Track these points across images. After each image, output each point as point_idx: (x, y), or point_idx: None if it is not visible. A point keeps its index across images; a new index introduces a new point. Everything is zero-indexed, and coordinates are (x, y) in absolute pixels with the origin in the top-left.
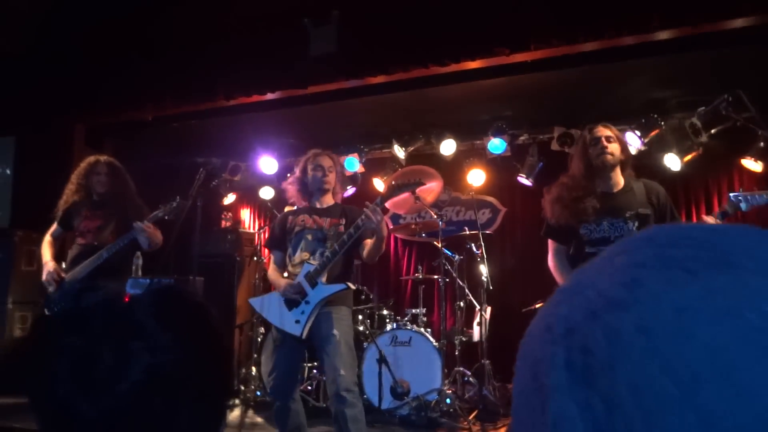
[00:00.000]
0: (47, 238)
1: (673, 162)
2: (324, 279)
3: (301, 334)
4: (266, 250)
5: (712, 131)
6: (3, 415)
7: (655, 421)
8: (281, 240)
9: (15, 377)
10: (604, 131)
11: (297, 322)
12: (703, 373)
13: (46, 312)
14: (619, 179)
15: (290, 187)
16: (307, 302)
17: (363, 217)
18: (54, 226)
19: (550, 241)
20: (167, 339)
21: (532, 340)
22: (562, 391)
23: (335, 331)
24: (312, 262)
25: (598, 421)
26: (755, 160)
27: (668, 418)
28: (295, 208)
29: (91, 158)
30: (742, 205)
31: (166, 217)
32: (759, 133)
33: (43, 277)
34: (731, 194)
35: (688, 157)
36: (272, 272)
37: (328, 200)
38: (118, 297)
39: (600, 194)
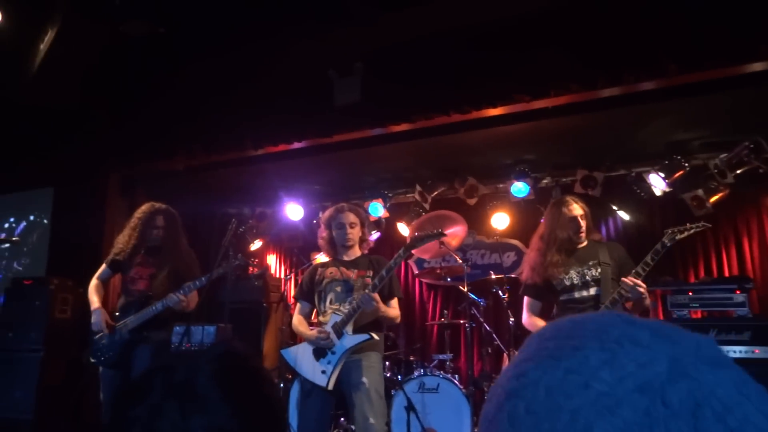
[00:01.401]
0: (94, 282)
1: (700, 203)
2: (350, 329)
3: (327, 384)
4: (293, 299)
5: (738, 171)
6: None
7: None
8: (309, 292)
9: None
10: (577, 210)
11: (323, 372)
12: None
13: (91, 360)
14: (583, 239)
15: (321, 241)
16: (333, 352)
17: (360, 300)
18: (102, 268)
19: (526, 300)
20: (227, 412)
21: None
22: None
23: (365, 379)
24: (339, 313)
25: None
26: None
27: None
28: (324, 259)
29: (148, 207)
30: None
31: (207, 282)
32: None
33: (93, 322)
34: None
35: (715, 198)
36: (297, 323)
37: (355, 252)
38: (176, 362)
39: (568, 251)
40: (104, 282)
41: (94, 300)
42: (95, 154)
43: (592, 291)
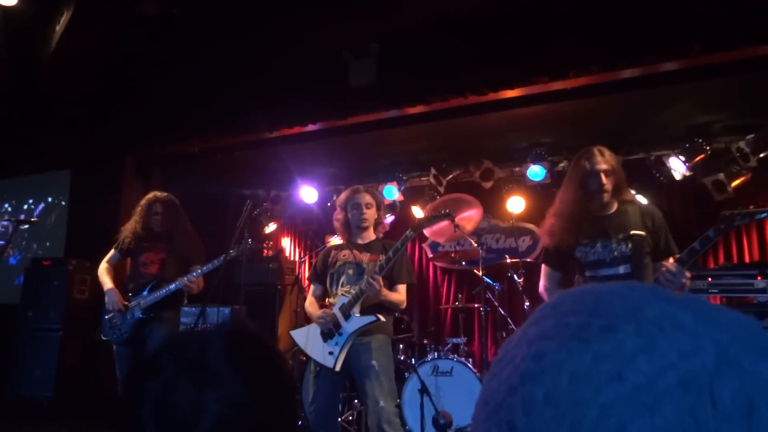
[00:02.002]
0: (104, 265)
1: (720, 187)
2: (357, 311)
3: (334, 365)
4: (306, 285)
5: (761, 155)
6: None
7: None
8: (322, 274)
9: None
10: (602, 164)
11: (330, 353)
12: None
13: (104, 338)
14: (612, 203)
15: (336, 223)
16: (340, 334)
17: (364, 284)
18: (111, 252)
19: (544, 268)
20: (238, 386)
21: (476, 413)
22: None
23: (374, 362)
24: (347, 294)
25: None
26: None
27: None
28: (338, 242)
29: (150, 196)
30: (737, 222)
31: (237, 256)
32: None
33: (106, 302)
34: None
35: (737, 182)
36: (309, 304)
37: (369, 235)
38: (187, 339)
39: (593, 217)
40: (113, 266)
41: (106, 281)
42: (111, 137)
43: (622, 270)
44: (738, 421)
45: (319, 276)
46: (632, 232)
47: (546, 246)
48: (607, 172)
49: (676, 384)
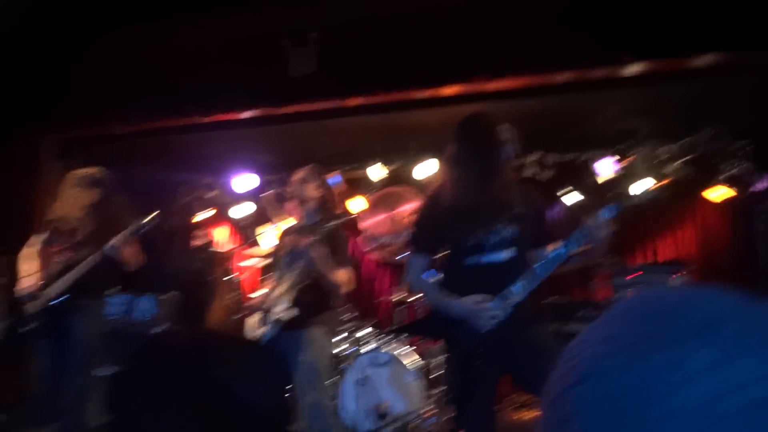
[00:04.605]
0: (24, 252)
1: (645, 188)
2: (286, 301)
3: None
4: (237, 271)
5: (681, 161)
6: None
7: None
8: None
9: None
10: (504, 131)
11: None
12: None
13: (18, 330)
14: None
15: (288, 206)
16: (268, 321)
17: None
18: (34, 239)
19: (412, 256)
20: None
21: (542, 400)
22: None
23: (305, 356)
24: (281, 283)
25: None
26: (728, 186)
27: None
28: (287, 225)
29: (78, 172)
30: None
31: (142, 231)
32: (720, 167)
33: (21, 292)
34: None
35: (659, 185)
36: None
37: (317, 215)
38: None
39: (479, 194)
40: (34, 253)
41: (23, 268)
42: (29, 114)
43: (506, 255)
44: None
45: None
46: (517, 211)
47: (419, 230)
48: (511, 142)
49: (748, 403)
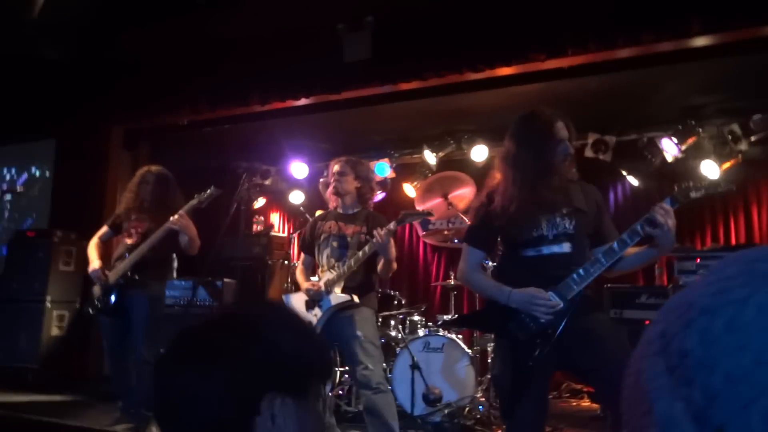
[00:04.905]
0: (95, 240)
1: (711, 169)
2: (339, 288)
3: None
4: (296, 255)
5: (752, 138)
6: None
7: (751, 406)
8: (311, 245)
9: None
10: (564, 131)
11: (310, 322)
12: None
13: (90, 311)
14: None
15: (323, 191)
16: (320, 306)
17: (373, 240)
18: (104, 229)
19: (467, 248)
20: None
21: (636, 356)
22: (665, 392)
23: (358, 332)
24: (333, 271)
25: (699, 414)
26: None
27: (763, 401)
28: (324, 213)
29: (143, 168)
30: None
31: (202, 206)
32: None
33: (90, 274)
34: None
35: (727, 165)
36: (299, 273)
37: (354, 206)
38: None
39: (539, 189)
40: (104, 242)
41: (93, 255)
42: (98, 106)
43: (566, 248)
44: None
45: (308, 246)
46: (576, 206)
47: (477, 221)
48: (569, 141)
49: None
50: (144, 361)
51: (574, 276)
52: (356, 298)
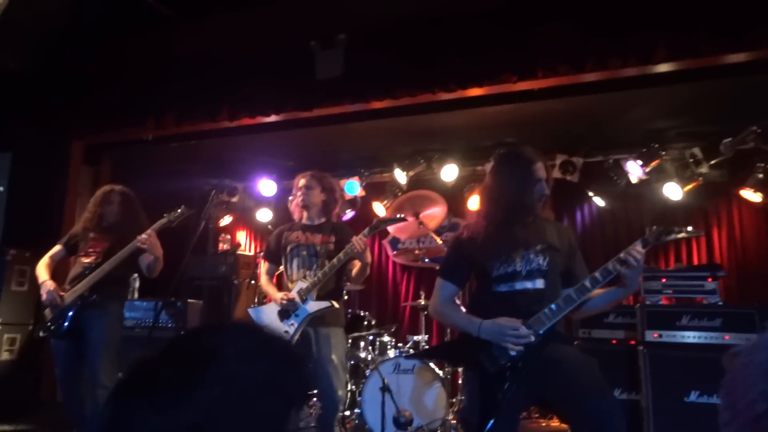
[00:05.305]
0: (45, 260)
1: (673, 191)
2: (314, 296)
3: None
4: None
5: (712, 162)
6: None
7: None
8: (276, 254)
9: None
10: (542, 170)
11: (286, 332)
12: None
13: (41, 333)
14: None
15: (290, 205)
16: (296, 315)
17: (350, 246)
18: (57, 248)
19: (441, 282)
20: None
21: (739, 382)
22: None
23: (334, 356)
24: (305, 280)
25: None
26: (754, 191)
27: None
28: (290, 224)
29: (106, 187)
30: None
31: (172, 225)
32: (756, 165)
33: (43, 297)
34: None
35: (689, 187)
36: (265, 282)
37: (320, 217)
38: None
39: (516, 226)
40: (55, 261)
41: (43, 274)
42: (58, 119)
43: (539, 284)
44: None
45: (272, 255)
46: (550, 243)
47: (452, 258)
48: (547, 182)
49: None
50: (102, 386)
51: (546, 311)
52: (336, 303)
